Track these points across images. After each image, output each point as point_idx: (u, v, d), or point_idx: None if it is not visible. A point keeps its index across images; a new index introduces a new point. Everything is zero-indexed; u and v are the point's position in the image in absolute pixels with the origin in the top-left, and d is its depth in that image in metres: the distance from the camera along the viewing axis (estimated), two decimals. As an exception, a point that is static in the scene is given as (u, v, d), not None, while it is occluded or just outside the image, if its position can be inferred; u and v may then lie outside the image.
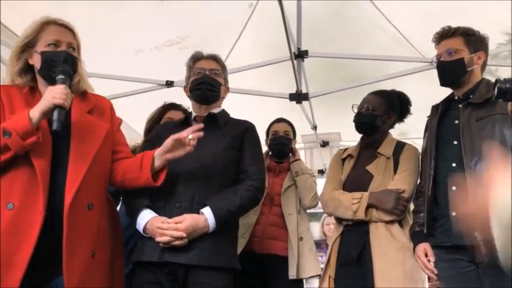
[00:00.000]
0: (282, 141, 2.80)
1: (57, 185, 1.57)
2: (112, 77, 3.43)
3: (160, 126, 2.33)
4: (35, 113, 1.53)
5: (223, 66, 2.17)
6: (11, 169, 1.57)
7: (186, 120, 2.12)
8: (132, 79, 3.54)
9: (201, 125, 1.84)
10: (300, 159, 2.86)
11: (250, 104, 3.94)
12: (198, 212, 1.86)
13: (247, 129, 2.08)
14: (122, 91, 3.58)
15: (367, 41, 3.68)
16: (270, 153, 2.89)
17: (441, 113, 2.03)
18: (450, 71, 2.00)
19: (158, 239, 1.79)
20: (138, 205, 1.87)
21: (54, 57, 1.65)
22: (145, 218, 1.84)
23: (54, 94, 1.53)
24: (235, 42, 3.80)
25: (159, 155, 1.80)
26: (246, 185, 1.96)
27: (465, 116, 1.93)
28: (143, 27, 3.26)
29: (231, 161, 1.99)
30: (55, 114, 1.52)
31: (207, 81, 2.06)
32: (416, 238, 1.99)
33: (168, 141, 1.78)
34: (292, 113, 3.06)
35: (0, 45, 2.74)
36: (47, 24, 1.69)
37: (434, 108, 2.10)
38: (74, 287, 1.53)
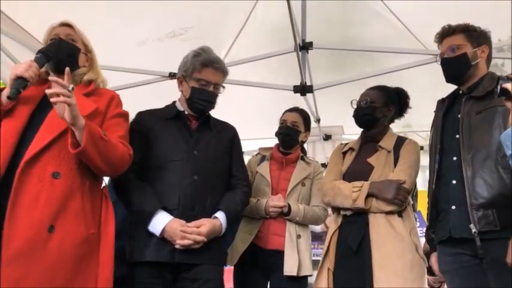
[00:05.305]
0: (287, 132, 2.72)
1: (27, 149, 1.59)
2: (115, 69, 3.41)
3: (146, 116, 2.16)
4: (6, 88, 1.64)
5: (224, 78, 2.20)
6: None
7: (179, 115, 2.13)
8: (135, 71, 3.53)
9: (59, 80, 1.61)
10: (289, 211, 2.53)
11: (251, 97, 3.94)
12: (210, 215, 1.96)
13: (235, 134, 2.23)
14: (125, 83, 3.58)
15: (372, 33, 3.66)
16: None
17: (446, 107, 2.04)
18: (454, 67, 2.00)
19: (179, 242, 1.86)
20: (151, 206, 1.89)
21: (51, 45, 1.80)
22: (163, 219, 1.88)
23: (17, 67, 1.64)
24: (238, 33, 3.78)
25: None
26: (241, 190, 2.13)
27: (466, 109, 1.94)
28: (145, 18, 3.25)
29: (228, 166, 2.13)
30: (15, 83, 1.60)
31: (210, 100, 2.12)
32: (431, 245, 2.05)
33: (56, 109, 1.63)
34: (295, 105, 3.03)
35: (0, 35, 2.73)
36: (52, 28, 1.88)
37: (440, 102, 2.11)
38: (13, 257, 1.44)
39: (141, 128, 2.07)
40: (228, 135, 2.18)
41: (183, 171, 1.95)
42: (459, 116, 1.96)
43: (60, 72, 1.78)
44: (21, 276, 1.44)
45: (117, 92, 3.27)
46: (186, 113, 2.15)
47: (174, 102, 2.23)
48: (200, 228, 1.88)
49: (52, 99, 1.55)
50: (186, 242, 1.85)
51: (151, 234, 1.90)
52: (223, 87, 2.18)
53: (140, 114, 2.18)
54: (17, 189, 1.52)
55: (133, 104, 3.72)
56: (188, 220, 1.90)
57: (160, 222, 1.87)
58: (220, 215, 1.98)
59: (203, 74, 2.10)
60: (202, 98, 2.09)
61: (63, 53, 1.78)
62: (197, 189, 1.96)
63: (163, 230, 1.86)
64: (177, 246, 1.87)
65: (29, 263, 1.46)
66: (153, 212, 1.88)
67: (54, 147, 1.62)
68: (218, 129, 2.16)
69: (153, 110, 2.19)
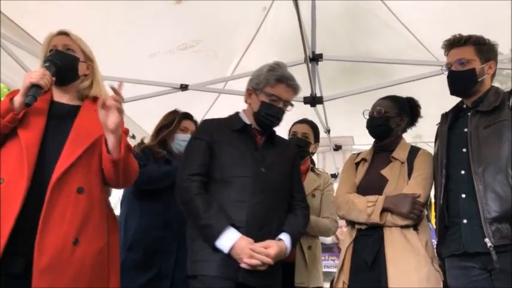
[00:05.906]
0: (298, 143, 2.74)
1: (52, 163, 1.62)
2: (127, 81, 3.44)
3: (211, 125, 2.10)
4: (18, 96, 1.66)
5: None
6: (4, 147, 1.66)
7: (245, 129, 2.07)
8: (146, 82, 3.57)
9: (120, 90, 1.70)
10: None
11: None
12: (274, 237, 1.91)
13: (296, 153, 2.21)
14: (137, 94, 3.61)
15: (382, 44, 3.67)
16: None
17: (451, 121, 2.04)
18: (461, 81, 2.00)
19: (246, 260, 1.80)
20: (220, 222, 1.84)
21: (49, 56, 1.80)
22: (233, 236, 1.82)
23: (31, 75, 1.66)
24: (249, 45, 3.81)
25: (105, 133, 1.70)
26: (302, 212, 2.08)
27: (473, 124, 1.94)
28: (157, 30, 3.29)
29: (290, 186, 2.09)
30: (30, 90, 1.63)
31: (278, 117, 2.07)
32: (441, 259, 2.04)
33: (99, 114, 1.69)
34: (305, 116, 3.04)
35: (0, 37, 2.75)
36: (50, 38, 1.88)
37: (444, 116, 2.11)
38: (44, 268, 1.50)
39: (206, 138, 2.01)
40: (290, 154, 2.14)
41: (251, 188, 1.90)
42: (465, 130, 1.96)
43: (60, 84, 1.81)
44: (50, 285, 1.52)
45: (129, 103, 3.31)
46: (253, 126, 2.09)
47: (237, 113, 2.17)
48: (269, 250, 1.83)
49: (108, 102, 1.65)
50: (253, 261, 1.79)
51: (216, 250, 1.84)
52: (292, 105, 2.12)
53: (205, 123, 2.16)
54: (49, 204, 1.56)
55: (145, 115, 3.78)
56: (254, 239, 1.84)
57: (230, 239, 1.81)
58: (286, 238, 1.93)
59: (276, 89, 2.05)
60: (270, 113, 2.04)
61: (62, 65, 1.78)
62: (265, 208, 1.91)
63: (231, 248, 1.81)
64: (242, 265, 1.81)
65: (57, 273, 1.54)
66: (222, 228, 1.82)
67: (79, 163, 1.66)
68: (282, 147, 2.13)
69: (217, 119, 2.14)
